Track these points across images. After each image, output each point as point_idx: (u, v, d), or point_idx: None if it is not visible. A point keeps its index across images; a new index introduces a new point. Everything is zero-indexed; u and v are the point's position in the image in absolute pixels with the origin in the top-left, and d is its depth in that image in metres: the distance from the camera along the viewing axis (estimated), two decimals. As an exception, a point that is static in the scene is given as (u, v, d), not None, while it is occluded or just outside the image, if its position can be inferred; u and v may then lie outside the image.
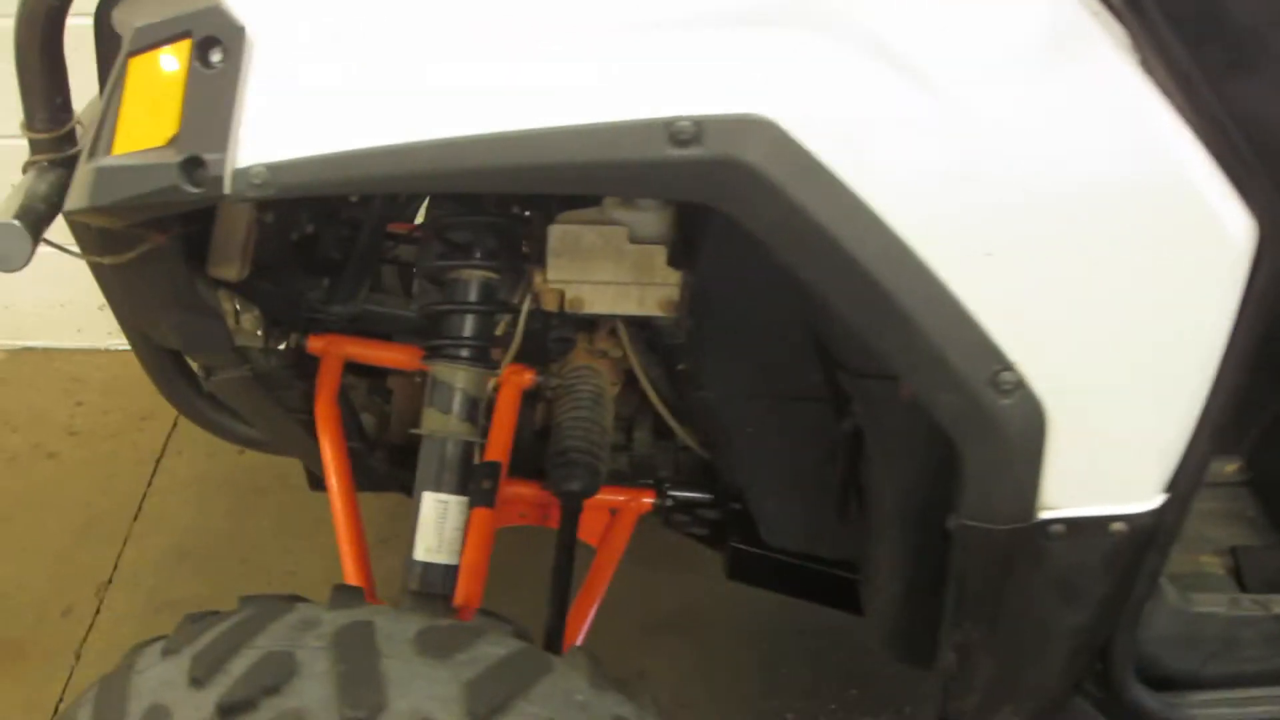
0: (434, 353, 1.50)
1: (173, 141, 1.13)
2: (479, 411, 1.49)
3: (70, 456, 2.85)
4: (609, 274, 1.57)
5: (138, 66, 1.15)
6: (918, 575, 1.39)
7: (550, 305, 1.60)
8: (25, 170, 1.48)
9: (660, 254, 1.56)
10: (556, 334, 1.76)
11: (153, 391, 3.01)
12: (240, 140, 1.12)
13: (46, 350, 3.15)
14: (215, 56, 1.12)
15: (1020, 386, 1.16)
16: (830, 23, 1.10)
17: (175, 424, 2.92)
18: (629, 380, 1.82)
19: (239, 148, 1.12)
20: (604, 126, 1.09)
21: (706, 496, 1.88)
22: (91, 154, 1.19)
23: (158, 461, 2.83)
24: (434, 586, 1.45)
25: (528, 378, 1.73)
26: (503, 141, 1.10)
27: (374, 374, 1.88)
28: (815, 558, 1.75)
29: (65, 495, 2.74)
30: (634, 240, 1.56)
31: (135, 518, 2.69)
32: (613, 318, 1.68)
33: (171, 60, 1.13)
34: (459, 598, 1.49)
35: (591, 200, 1.56)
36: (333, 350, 1.70)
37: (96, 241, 1.39)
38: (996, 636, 1.29)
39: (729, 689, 2.31)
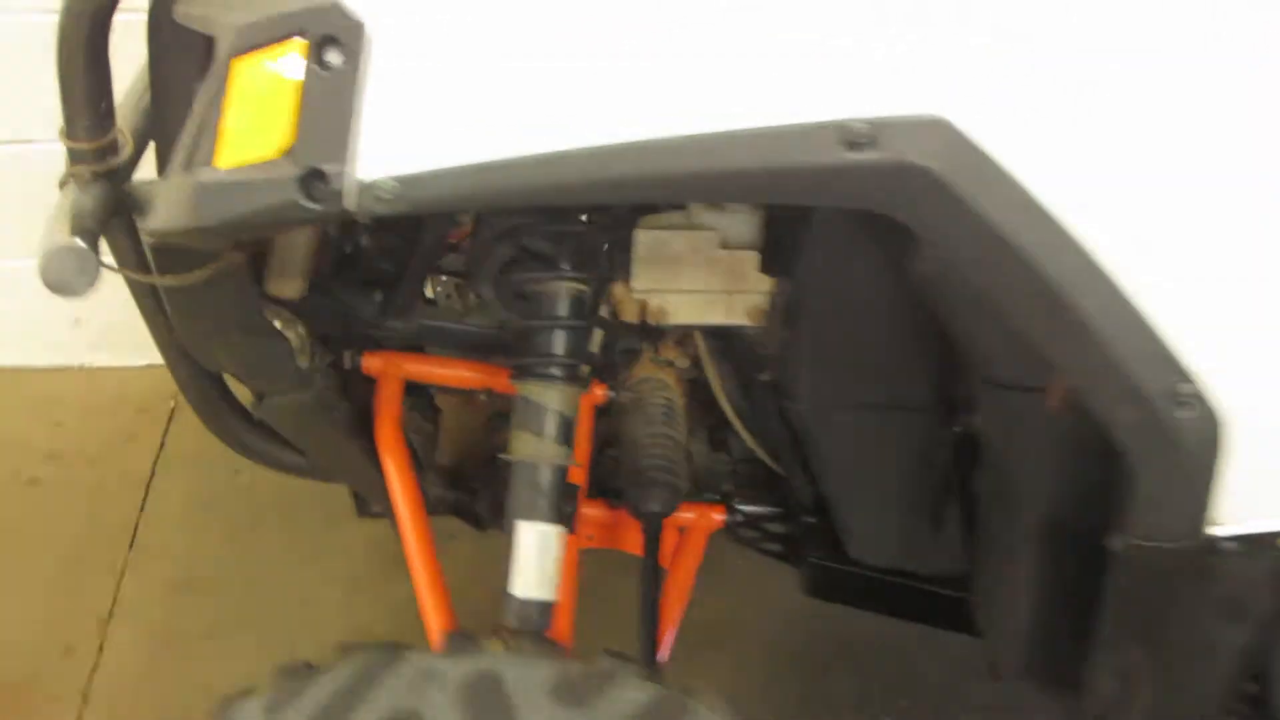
0: (523, 372, 1.40)
1: (288, 153, 1.02)
2: (573, 433, 1.39)
3: (53, 482, 2.70)
4: (697, 282, 1.48)
5: (243, 69, 1.03)
6: (1057, 595, 1.32)
7: (631, 316, 1.51)
8: (63, 183, 1.37)
9: (751, 260, 1.47)
10: (624, 345, 1.66)
11: (135, 410, 2.91)
12: (364, 151, 1.01)
13: (17, 370, 2.98)
14: (333, 57, 1.01)
15: (1198, 398, 1.10)
16: (1009, 20, 1.02)
17: (162, 444, 2.77)
18: (689, 391, 1.73)
19: (363, 159, 1.01)
20: (771, 130, 1.00)
21: (776, 511, 1.80)
22: (186, 166, 1.07)
23: (147, 485, 2.68)
24: (533, 623, 1.36)
25: (599, 393, 1.64)
26: (660, 148, 1.00)
27: (415, 391, 1.78)
28: (904, 573, 1.68)
29: (52, 524, 2.58)
30: (724, 246, 1.47)
31: (130, 546, 2.54)
32: (694, 328, 1.59)
33: (284, 62, 1.02)
34: (554, 631, 1.39)
35: (677, 205, 1.47)
36: (391, 369, 1.59)
37: (163, 261, 1.28)
38: (1158, 659, 1.23)
39: (773, 704, 2.24)
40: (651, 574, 1.58)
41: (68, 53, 1.22)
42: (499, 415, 1.73)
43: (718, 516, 1.77)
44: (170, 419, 2.84)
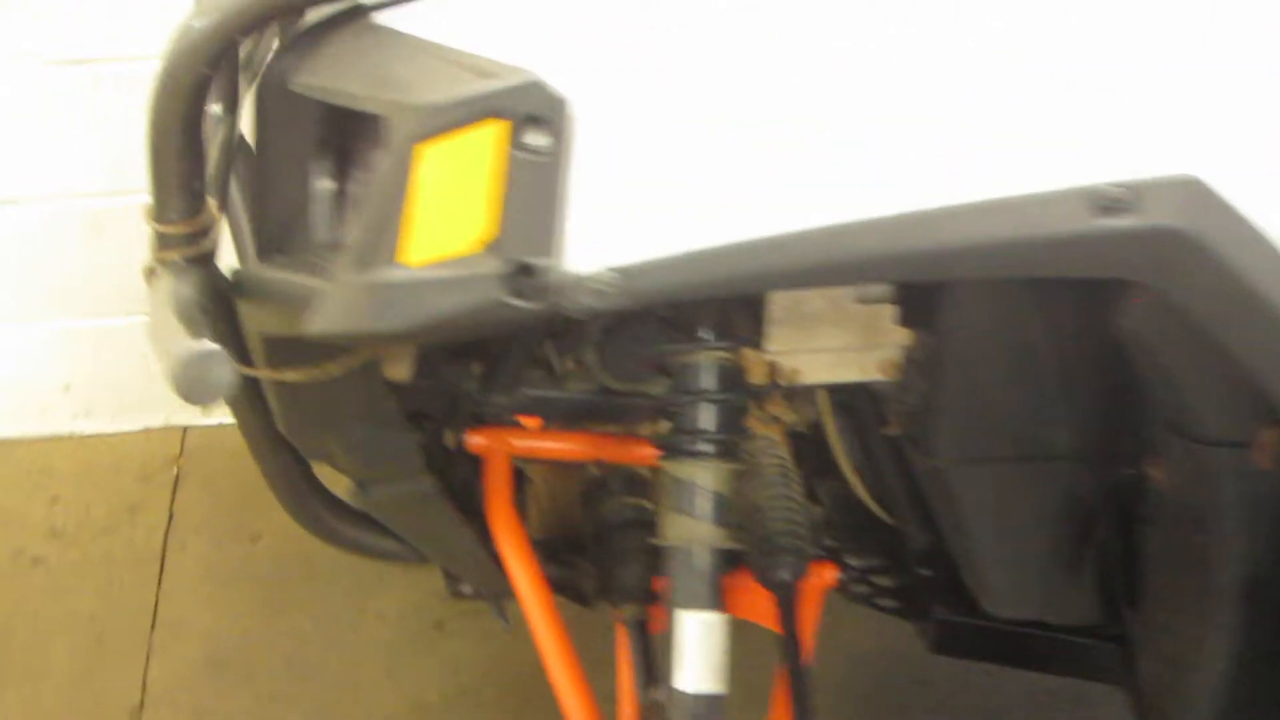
0: (672, 450, 1.30)
1: (489, 246, 0.92)
2: (729, 512, 1.30)
3: (59, 561, 2.54)
4: (833, 340, 1.40)
5: (432, 156, 0.93)
6: (1257, 655, 1.26)
7: (760, 378, 1.42)
8: (151, 272, 1.25)
9: (888, 313, 1.39)
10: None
11: (136, 478, 2.76)
12: (574, 241, 0.92)
13: (5, 440, 2.81)
14: (537, 139, 0.92)
15: None
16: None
17: (171, 514, 2.63)
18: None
19: (573, 250, 0.92)
20: (1015, 200, 0.93)
21: (887, 563, 1.72)
22: (363, 263, 0.96)
23: (162, 558, 2.54)
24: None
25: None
26: (902, 224, 0.92)
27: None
28: (1036, 624, 1.61)
29: (64, 607, 2.43)
30: (860, 300, 1.39)
31: (152, 626, 2.39)
32: (824, 386, 1.51)
33: (480, 147, 0.92)
34: None
35: None
36: (499, 446, 1.49)
37: (283, 354, 1.18)
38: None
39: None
40: (794, 646, 1.49)
41: (163, 126, 1.12)
42: (596, 483, 1.63)
43: (830, 574, 1.69)
44: (175, 486, 2.70)
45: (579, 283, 0.91)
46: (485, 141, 0.91)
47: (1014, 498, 1.47)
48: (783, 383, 1.42)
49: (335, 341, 1.03)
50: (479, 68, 0.94)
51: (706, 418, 1.30)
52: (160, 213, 1.18)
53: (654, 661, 1.54)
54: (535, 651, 1.53)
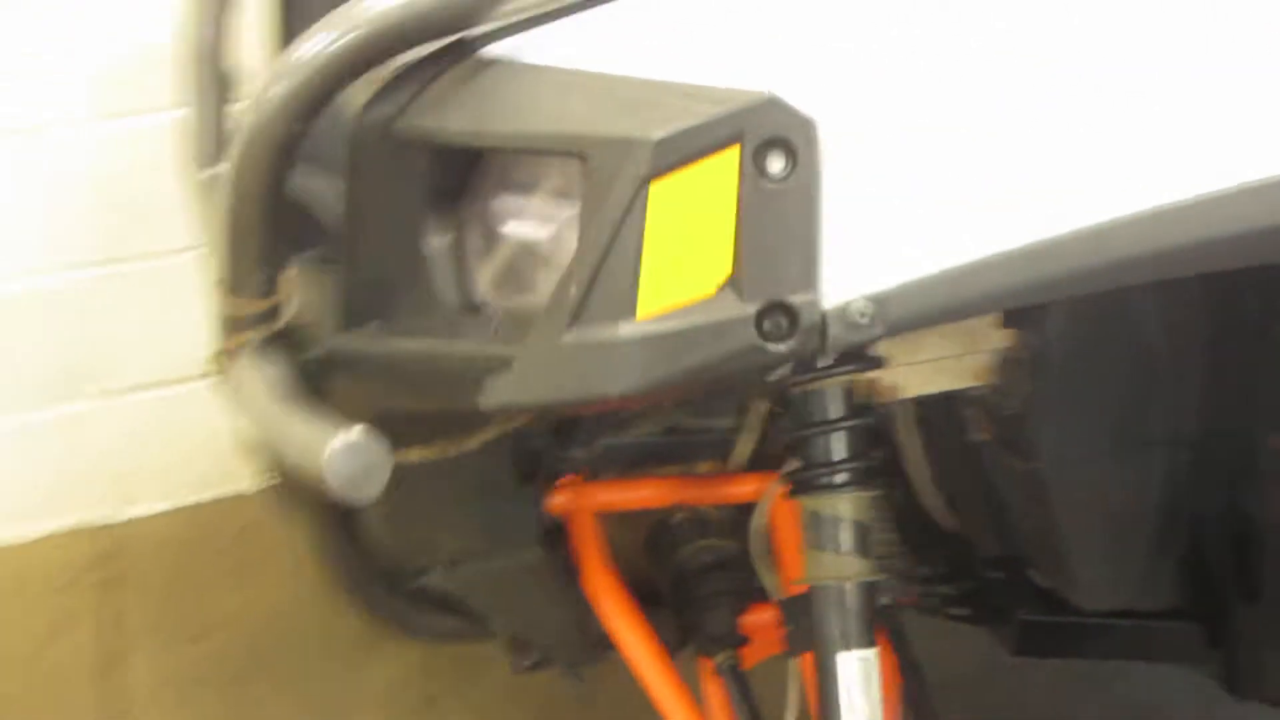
0: (804, 485, 1.23)
1: (731, 286, 0.84)
2: (874, 542, 1.24)
3: (-4, 691, 2.31)
4: (935, 350, 1.34)
5: (665, 192, 0.84)
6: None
7: (859, 397, 1.36)
8: (222, 360, 1.13)
9: (992, 318, 1.35)
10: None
11: (54, 590, 2.54)
12: (825, 272, 0.84)
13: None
14: (778, 164, 0.84)
15: None
16: None
17: (111, 622, 2.41)
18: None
19: (825, 281, 0.84)
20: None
21: (952, 571, 1.68)
22: (576, 319, 0.86)
23: (111, 672, 2.33)
24: (877, 764, 1.20)
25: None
26: (1193, 212, 0.87)
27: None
28: (1124, 613, 1.59)
29: (12, 744, 2.21)
30: None
31: (119, 747, 2.20)
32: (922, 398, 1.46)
33: (719, 177, 0.83)
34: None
35: None
36: (583, 504, 1.39)
37: (424, 431, 1.07)
38: None
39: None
40: (915, 672, 1.44)
41: (244, 194, 1.01)
42: (662, 529, 1.55)
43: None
44: (109, 590, 2.48)
45: (834, 316, 0.84)
46: (723, 171, 0.83)
47: (1113, 489, 1.45)
48: (884, 399, 1.36)
49: (532, 410, 0.93)
50: (684, 92, 0.85)
51: (839, 447, 1.23)
52: (238, 290, 1.06)
53: (754, 704, 1.47)
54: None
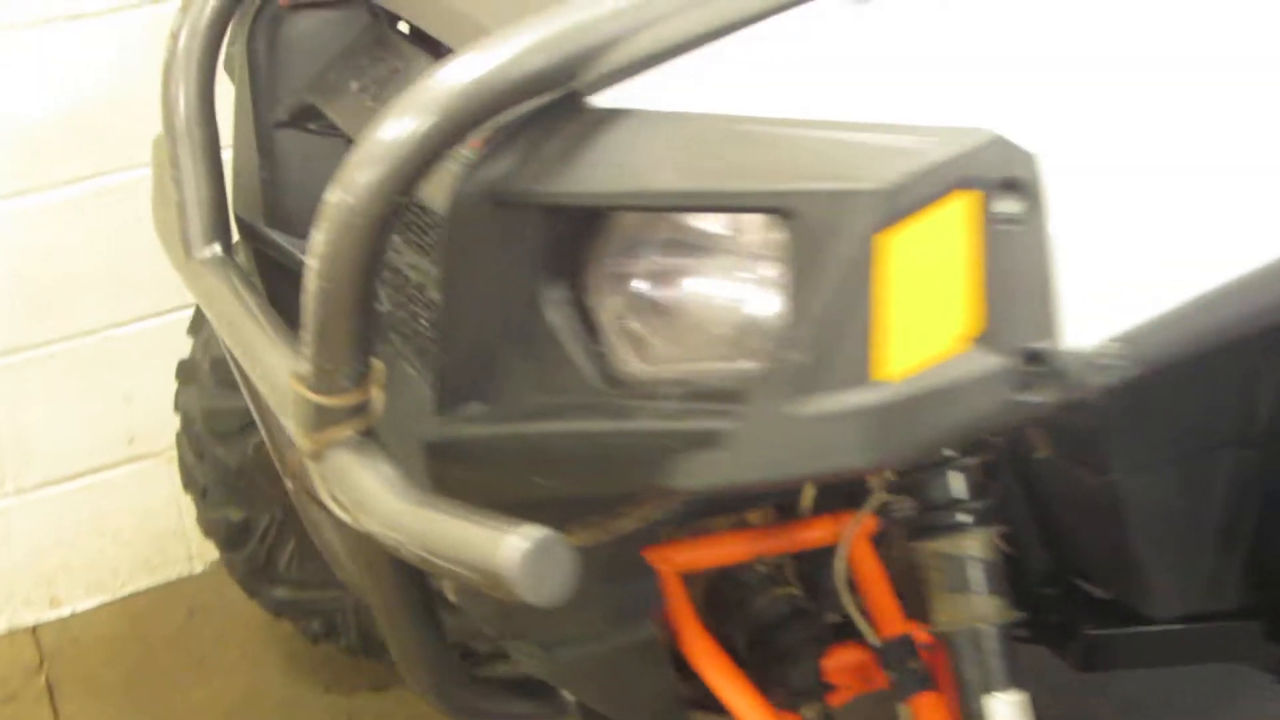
0: (927, 529, 1.18)
1: (979, 339, 0.78)
2: (1003, 580, 1.19)
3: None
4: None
5: (894, 246, 0.77)
6: None
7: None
8: (313, 457, 1.03)
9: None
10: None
11: (3, 699, 2.33)
12: (1068, 314, 0.79)
13: None
14: (1013, 205, 0.78)
15: None
16: None
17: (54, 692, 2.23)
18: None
19: (1069, 324, 0.79)
20: None
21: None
22: (804, 387, 0.79)
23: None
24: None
25: (870, 523, 1.43)
26: None
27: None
28: (1191, 617, 1.58)
29: None
30: None
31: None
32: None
33: (951, 224, 0.78)
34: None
35: None
36: (668, 568, 1.31)
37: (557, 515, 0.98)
38: None
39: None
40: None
41: (337, 281, 0.91)
42: (729, 580, 1.48)
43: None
44: (51, 696, 2.29)
45: (1085, 361, 0.79)
46: (955, 218, 0.77)
47: (1182, 493, 1.44)
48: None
49: (754, 488, 0.85)
50: (889, 133, 0.79)
51: (957, 485, 1.18)
52: (325, 383, 0.95)
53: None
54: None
